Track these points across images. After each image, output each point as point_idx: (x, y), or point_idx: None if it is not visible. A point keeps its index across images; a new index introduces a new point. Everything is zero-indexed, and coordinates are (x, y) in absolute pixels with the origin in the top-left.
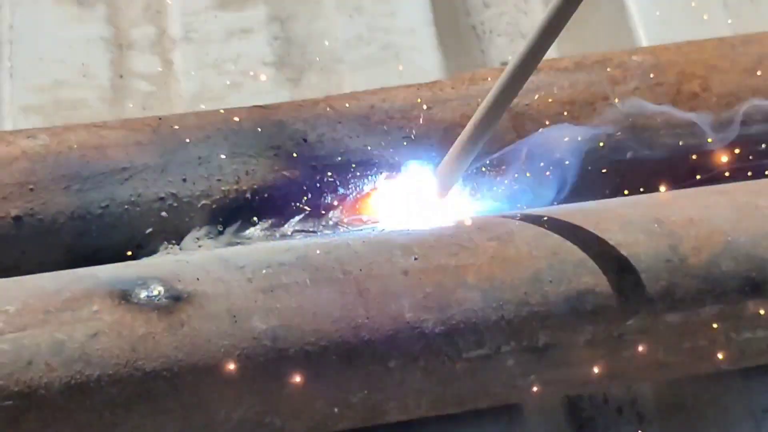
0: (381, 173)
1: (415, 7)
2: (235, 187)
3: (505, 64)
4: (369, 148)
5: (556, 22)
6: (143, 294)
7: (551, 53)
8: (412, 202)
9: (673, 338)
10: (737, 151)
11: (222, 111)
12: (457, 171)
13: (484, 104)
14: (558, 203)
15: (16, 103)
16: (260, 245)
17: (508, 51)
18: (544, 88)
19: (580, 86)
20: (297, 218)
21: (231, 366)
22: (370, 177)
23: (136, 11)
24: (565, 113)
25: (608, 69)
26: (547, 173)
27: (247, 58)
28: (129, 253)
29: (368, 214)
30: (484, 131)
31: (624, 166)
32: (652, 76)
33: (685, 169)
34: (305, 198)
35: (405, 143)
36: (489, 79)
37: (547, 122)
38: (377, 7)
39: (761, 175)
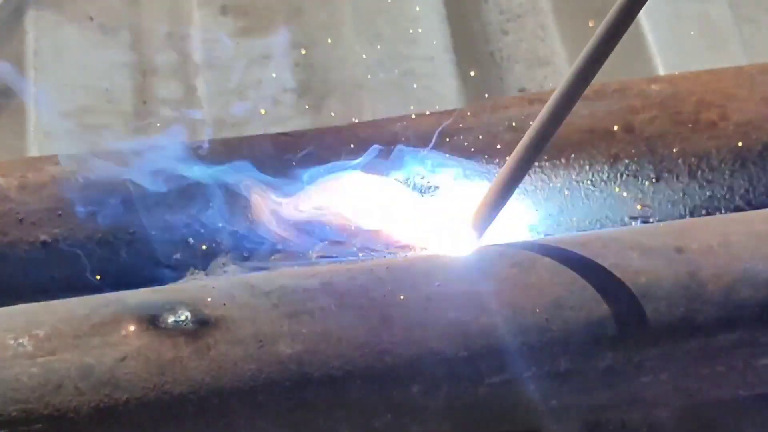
0: (403, 200)
1: (435, 34)
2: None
3: (522, 90)
4: (391, 175)
5: (603, 49)
6: (171, 319)
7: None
8: (439, 232)
9: (691, 364)
10: None
11: (247, 138)
12: (495, 211)
13: (526, 141)
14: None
15: (41, 128)
16: (286, 271)
17: (526, 78)
18: None
19: (600, 114)
20: (321, 244)
21: (257, 390)
22: (392, 204)
23: (159, 38)
24: (586, 141)
25: (628, 98)
26: None
27: (268, 85)
28: (156, 278)
29: (392, 241)
30: (524, 170)
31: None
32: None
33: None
34: (330, 224)
35: (427, 171)
36: (509, 107)
37: (568, 150)
38: (397, 34)
39: None
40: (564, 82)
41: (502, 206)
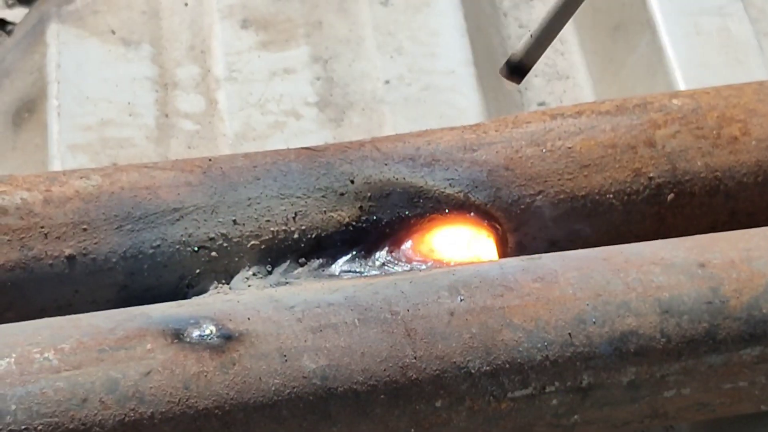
0: (426, 215)
1: (455, 48)
2: (284, 228)
3: (542, 104)
4: (415, 189)
5: None
6: (195, 333)
7: (590, 97)
8: (462, 244)
9: (714, 379)
10: None
11: (270, 152)
12: (538, 51)
13: None
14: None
15: (63, 142)
16: (309, 285)
17: (546, 92)
18: (585, 132)
19: (622, 130)
20: (344, 258)
21: (281, 404)
22: (415, 218)
23: (180, 51)
24: (608, 156)
25: (649, 112)
26: None
27: (289, 98)
28: (180, 292)
29: (415, 255)
30: (571, 7)
31: (665, 210)
32: (692, 119)
33: (726, 211)
34: (352, 238)
35: (450, 185)
36: (531, 122)
37: (589, 164)
38: (418, 48)
39: None
40: None
41: (549, 43)
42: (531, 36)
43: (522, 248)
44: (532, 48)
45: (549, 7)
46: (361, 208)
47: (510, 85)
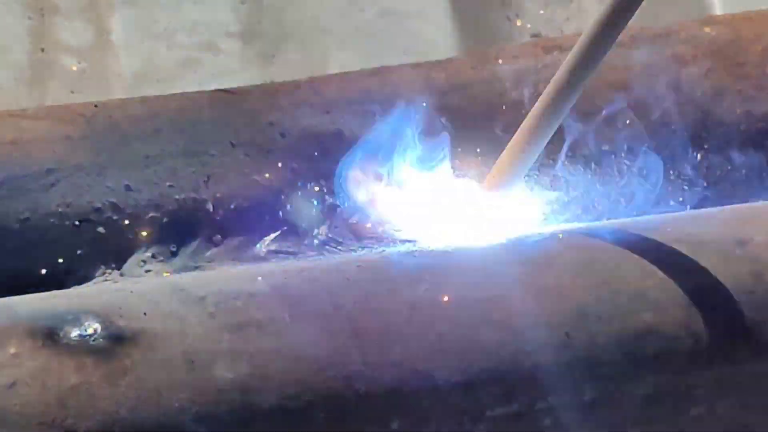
0: (380, 177)
1: None
2: (192, 195)
3: (537, 35)
4: (365, 145)
5: None
6: (75, 333)
7: None
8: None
9: (755, 392)
10: None
11: (176, 96)
12: (515, 176)
13: (553, 87)
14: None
15: None
16: (225, 271)
17: (542, 19)
18: None
19: (639, 67)
20: (272, 236)
21: (188, 426)
22: (365, 182)
23: None
24: (620, 101)
25: (674, 45)
26: None
27: (205, 27)
28: (55, 279)
29: (366, 231)
30: (550, 124)
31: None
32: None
33: None
34: (283, 209)
35: (411, 139)
36: (520, 57)
37: (597, 112)
38: None
39: None
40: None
41: (528, 166)
42: None
43: (508, 222)
44: None
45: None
46: (294, 170)
47: None
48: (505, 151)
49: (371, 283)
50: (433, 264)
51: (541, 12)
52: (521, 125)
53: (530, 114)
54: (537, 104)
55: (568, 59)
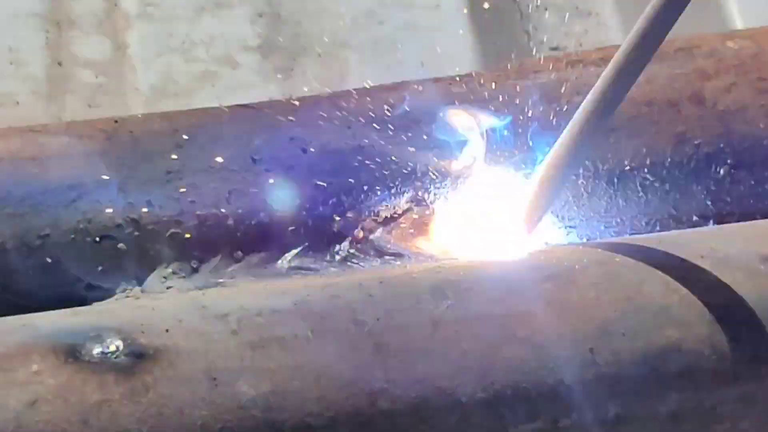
0: (403, 193)
1: None
2: (213, 211)
3: (556, 48)
4: (386, 160)
5: None
6: (96, 350)
7: (619, 38)
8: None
9: None
10: None
11: (197, 112)
12: (547, 203)
13: (582, 115)
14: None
15: None
16: (247, 287)
17: (561, 32)
18: None
19: (661, 81)
20: (294, 252)
21: None
22: (388, 198)
23: None
24: (642, 116)
25: (696, 59)
26: None
27: (223, 41)
28: (77, 296)
29: (388, 246)
30: (582, 151)
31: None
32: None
33: None
34: (305, 225)
35: (434, 154)
36: (541, 72)
37: (620, 127)
38: None
39: None
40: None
41: (553, 200)
42: None
43: (529, 238)
44: None
45: None
46: (316, 185)
47: None
48: (536, 184)
49: (394, 300)
50: (457, 280)
51: (560, 26)
52: (550, 155)
53: (559, 143)
54: (566, 134)
55: (598, 86)
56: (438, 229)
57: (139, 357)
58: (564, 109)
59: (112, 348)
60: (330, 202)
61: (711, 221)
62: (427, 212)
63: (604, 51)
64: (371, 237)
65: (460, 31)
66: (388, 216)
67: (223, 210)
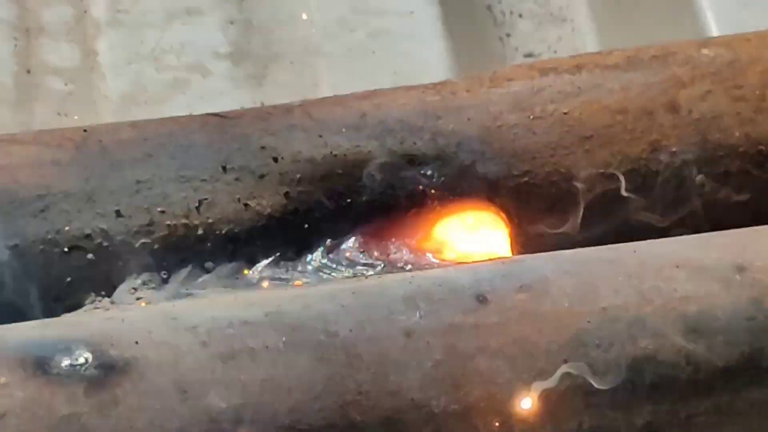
0: (376, 202)
1: None
2: (183, 221)
3: (530, 55)
4: (359, 169)
5: None
6: (65, 362)
7: (593, 46)
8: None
9: (758, 420)
10: None
11: (167, 120)
12: None
13: None
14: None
15: None
16: (218, 298)
17: (535, 39)
18: (587, 92)
19: (635, 89)
20: (265, 262)
21: None
22: (360, 206)
23: None
24: (616, 124)
25: (671, 66)
26: None
27: (194, 48)
28: (46, 308)
29: (360, 256)
30: None
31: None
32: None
33: None
34: (276, 235)
35: (407, 163)
36: (515, 79)
37: (591, 135)
38: None
39: None
40: None
41: None
42: None
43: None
44: None
45: None
46: (287, 194)
47: None
48: None
49: (366, 310)
50: (429, 290)
51: (534, 32)
52: None
53: None
54: None
55: None
56: (412, 236)
57: (108, 369)
58: (538, 118)
59: (81, 360)
60: (301, 210)
61: (686, 230)
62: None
63: (578, 58)
64: (343, 247)
65: (434, 39)
66: (362, 225)
67: (193, 220)
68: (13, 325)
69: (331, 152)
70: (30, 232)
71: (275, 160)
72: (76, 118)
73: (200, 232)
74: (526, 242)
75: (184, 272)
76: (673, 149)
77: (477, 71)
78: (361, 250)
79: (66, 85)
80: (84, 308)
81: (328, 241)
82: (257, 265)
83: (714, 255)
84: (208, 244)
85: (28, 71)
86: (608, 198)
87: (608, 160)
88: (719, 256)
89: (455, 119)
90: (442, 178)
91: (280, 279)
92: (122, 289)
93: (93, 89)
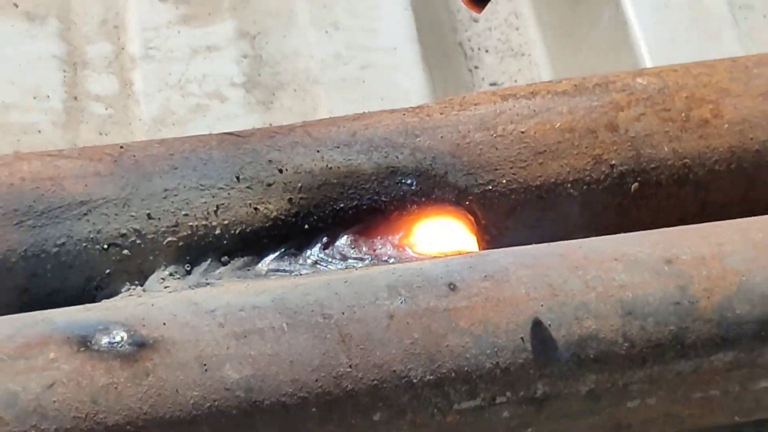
0: (363, 207)
1: (398, 23)
2: (204, 222)
3: (494, 84)
4: (350, 179)
5: None
6: (104, 340)
7: (547, 76)
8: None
9: (683, 388)
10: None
11: (190, 138)
12: None
13: None
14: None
15: None
16: (232, 286)
17: (498, 71)
18: (540, 114)
19: (581, 112)
20: (272, 256)
21: (201, 419)
22: (351, 210)
23: (91, 26)
24: (565, 141)
25: (611, 93)
26: None
27: (213, 79)
28: (88, 295)
29: (351, 252)
30: None
31: (628, 201)
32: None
33: (696, 203)
34: (281, 234)
35: (390, 174)
36: (480, 104)
37: (544, 150)
38: (356, 23)
39: None
40: None
41: None
42: None
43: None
44: None
45: None
46: (290, 200)
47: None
48: None
49: (355, 296)
50: (408, 279)
51: (498, 65)
52: None
53: None
54: None
55: None
56: (395, 235)
57: (140, 346)
58: (499, 136)
59: (118, 339)
60: (302, 213)
61: (624, 229)
62: (385, 221)
63: (534, 86)
64: (337, 243)
65: (415, 70)
66: (352, 225)
67: (212, 222)
68: (61, 309)
69: (327, 165)
70: (75, 232)
71: (280, 171)
72: (114, 137)
73: (218, 231)
74: (490, 239)
75: (204, 265)
76: (613, 162)
77: (449, 97)
78: (352, 246)
79: (106, 109)
80: (120, 295)
81: (325, 238)
82: (265, 259)
83: (647, 250)
84: (224, 242)
85: (75, 98)
86: (558, 202)
87: (558, 171)
88: (651, 251)
89: (430, 137)
90: (420, 187)
91: (284, 270)
92: (152, 279)
93: (129, 113)
